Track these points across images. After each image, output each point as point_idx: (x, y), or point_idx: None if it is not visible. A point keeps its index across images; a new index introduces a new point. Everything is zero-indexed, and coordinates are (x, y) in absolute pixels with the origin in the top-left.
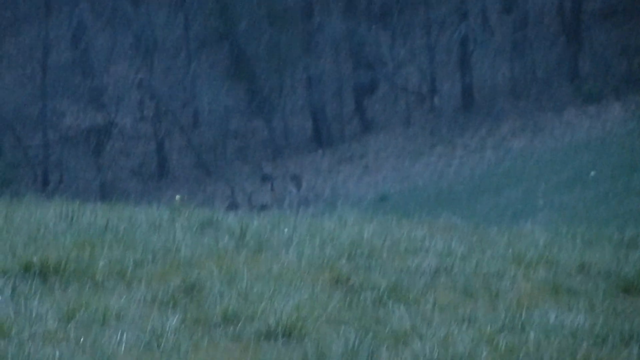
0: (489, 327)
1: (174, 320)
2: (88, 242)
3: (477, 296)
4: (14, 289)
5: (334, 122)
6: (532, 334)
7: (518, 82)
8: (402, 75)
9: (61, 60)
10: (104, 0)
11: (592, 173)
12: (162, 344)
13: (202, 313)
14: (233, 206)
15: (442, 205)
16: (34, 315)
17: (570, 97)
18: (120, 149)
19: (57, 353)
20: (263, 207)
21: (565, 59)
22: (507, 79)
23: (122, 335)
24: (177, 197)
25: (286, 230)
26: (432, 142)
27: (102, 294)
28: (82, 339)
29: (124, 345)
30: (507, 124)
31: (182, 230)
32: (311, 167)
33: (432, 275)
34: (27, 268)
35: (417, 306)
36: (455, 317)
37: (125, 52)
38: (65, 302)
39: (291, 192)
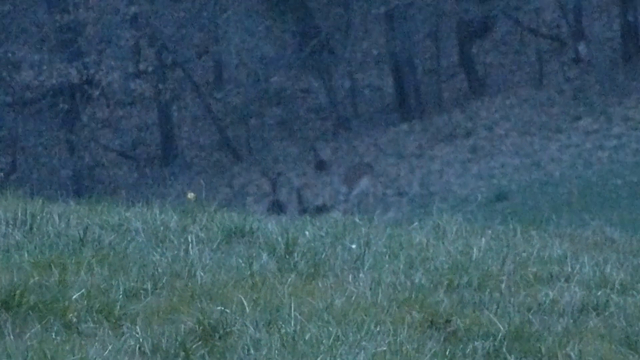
0: None
1: None
2: (56, 263)
3: None
4: None
5: (426, 81)
6: None
7: None
8: (529, 11)
9: None
10: None
11: None
12: None
13: None
14: (274, 207)
15: (589, 209)
16: None
17: None
18: (103, 119)
19: None
20: (319, 210)
21: None
22: None
23: None
24: (190, 194)
25: (354, 245)
26: (575, 112)
27: (76, 340)
28: None
29: None
30: None
31: (197, 245)
32: (391, 149)
33: (576, 317)
34: None
35: None
36: None
37: None
38: (21, 353)
39: (361, 187)
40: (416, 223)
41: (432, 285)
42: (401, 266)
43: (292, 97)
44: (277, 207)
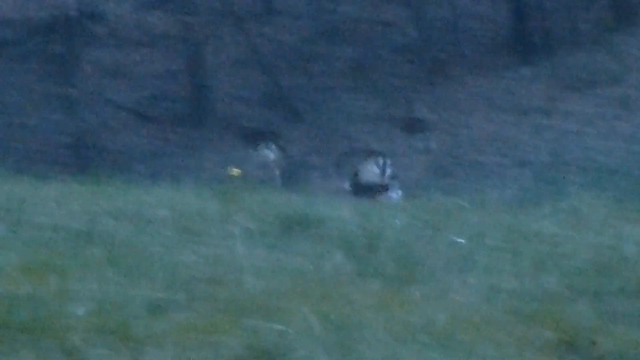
0: None
1: None
2: (53, 266)
3: None
4: None
5: (555, 7)
6: None
7: None
8: None
9: None
10: None
11: None
12: None
13: None
14: (355, 188)
15: None
16: None
17: None
18: (111, 66)
19: None
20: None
21: None
22: None
23: None
24: (234, 168)
25: (461, 239)
26: None
27: None
28: None
29: None
30: None
31: (246, 240)
32: (507, 102)
33: None
34: None
35: None
36: None
37: None
38: None
39: (467, 154)
40: (545, 206)
41: (569, 293)
42: (526, 267)
43: (369, 33)
44: (353, 185)
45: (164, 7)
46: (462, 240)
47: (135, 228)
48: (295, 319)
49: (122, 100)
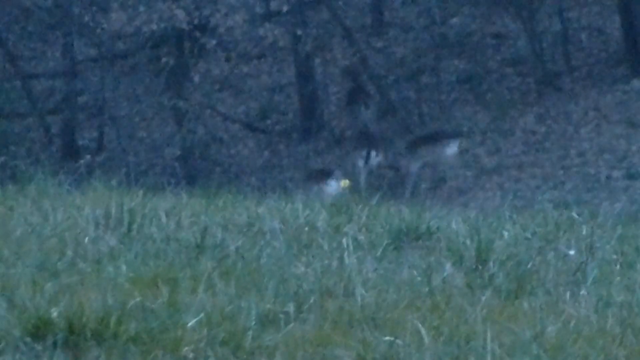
0: None
1: None
2: (164, 278)
3: None
4: None
5: None
6: None
7: None
8: None
9: None
10: None
11: None
12: None
13: None
14: (457, 196)
15: None
16: None
17: None
18: (221, 78)
19: None
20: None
21: None
22: None
23: None
24: (344, 180)
25: (572, 251)
26: None
27: None
28: None
29: None
30: None
31: (356, 252)
32: (618, 114)
33: None
34: (36, 331)
35: None
36: None
37: None
38: None
39: (577, 166)
40: None
41: None
42: (638, 280)
43: (479, 45)
44: (461, 195)
45: (274, 20)
46: (573, 252)
47: (246, 239)
48: (405, 331)
49: (232, 112)
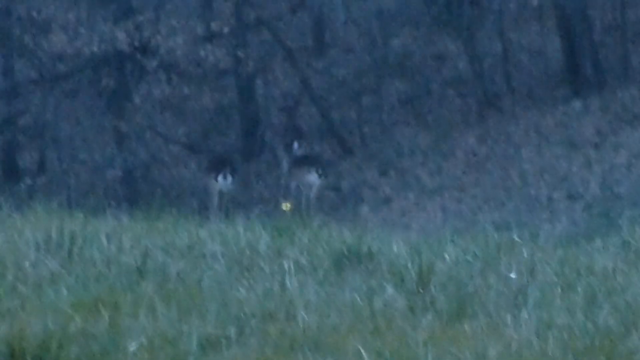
0: None
1: None
2: (105, 302)
3: None
4: None
5: (606, 41)
6: None
7: None
8: None
9: None
10: None
11: None
12: None
13: None
14: (397, 218)
15: None
16: None
17: None
18: (163, 99)
19: None
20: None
21: None
22: None
23: None
24: (285, 203)
25: (513, 274)
26: None
27: None
28: None
29: None
30: None
31: (297, 274)
32: (558, 135)
33: None
34: None
35: None
36: None
37: None
38: None
39: (517, 187)
40: (597, 240)
41: (623, 328)
42: (579, 302)
43: (420, 66)
44: (400, 217)
45: (215, 41)
46: (514, 275)
47: (187, 263)
48: (347, 354)
49: (173, 133)
